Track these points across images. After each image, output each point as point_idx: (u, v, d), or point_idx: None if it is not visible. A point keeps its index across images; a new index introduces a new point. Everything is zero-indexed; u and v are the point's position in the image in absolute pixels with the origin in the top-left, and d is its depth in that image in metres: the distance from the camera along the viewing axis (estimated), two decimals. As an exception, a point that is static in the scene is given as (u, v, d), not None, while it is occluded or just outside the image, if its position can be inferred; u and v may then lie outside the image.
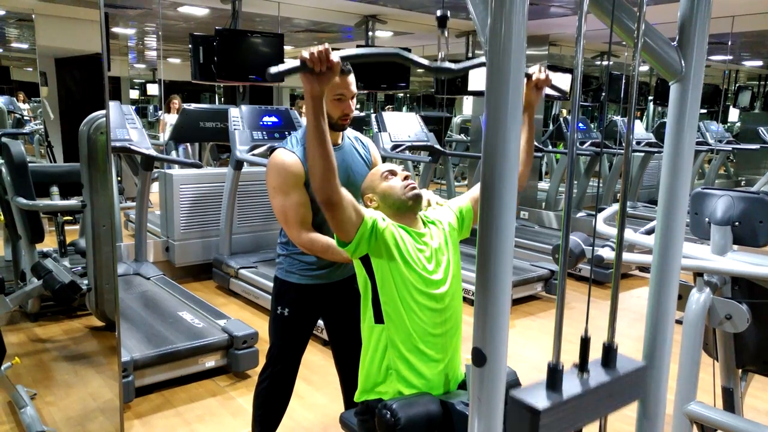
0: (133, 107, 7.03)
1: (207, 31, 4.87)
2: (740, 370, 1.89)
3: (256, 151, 4.44)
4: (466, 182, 8.69)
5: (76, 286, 3.00)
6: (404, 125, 5.40)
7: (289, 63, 1.39)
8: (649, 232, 1.88)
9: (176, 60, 11.57)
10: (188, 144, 7.27)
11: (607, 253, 1.81)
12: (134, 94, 12.86)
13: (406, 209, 1.75)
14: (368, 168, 2.12)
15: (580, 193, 6.67)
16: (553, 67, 6.72)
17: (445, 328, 1.71)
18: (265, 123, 4.59)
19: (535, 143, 2.59)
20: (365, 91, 8.30)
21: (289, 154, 1.99)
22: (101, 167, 3.12)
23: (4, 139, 3.40)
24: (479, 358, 0.91)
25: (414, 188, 1.76)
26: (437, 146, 5.49)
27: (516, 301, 4.54)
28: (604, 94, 7.55)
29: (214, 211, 4.90)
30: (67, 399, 3.04)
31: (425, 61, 1.47)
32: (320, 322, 2.33)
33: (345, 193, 1.58)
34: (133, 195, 5.44)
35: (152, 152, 4.30)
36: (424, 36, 7.08)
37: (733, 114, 9.32)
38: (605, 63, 7.89)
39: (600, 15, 1.04)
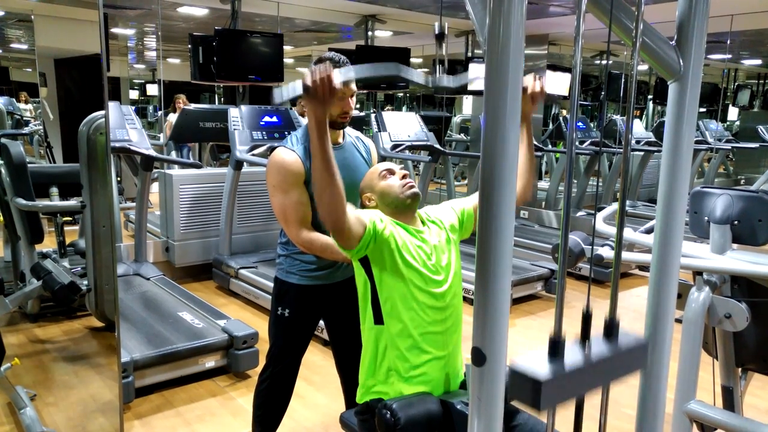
0: (133, 107, 7.02)
1: (206, 32, 4.87)
2: (740, 369, 1.89)
3: (255, 151, 4.43)
4: (466, 182, 8.69)
5: (75, 287, 2.99)
6: (404, 125, 5.39)
7: (293, 86, 1.40)
8: (649, 231, 1.88)
9: (176, 60, 11.57)
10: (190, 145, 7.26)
11: (607, 252, 1.81)
12: (134, 94, 12.84)
13: (404, 208, 1.76)
14: (368, 169, 2.12)
15: (579, 192, 6.67)
16: (553, 67, 6.73)
17: (446, 325, 1.71)
18: (264, 123, 4.58)
19: (535, 143, 2.59)
20: (365, 91, 8.31)
21: (289, 153, 1.99)
22: (101, 168, 3.12)
23: (3, 140, 3.40)
24: (479, 357, 0.91)
25: (412, 187, 1.77)
26: (437, 146, 5.49)
27: (516, 301, 4.54)
28: (603, 93, 7.56)
29: (214, 211, 4.90)
30: (67, 400, 3.03)
31: (423, 80, 1.53)
32: (321, 322, 2.33)
33: (350, 211, 1.57)
34: (132, 195, 5.43)
35: (152, 152, 4.30)
36: (423, 36, 7.07)
37: (733, 113, 9.32)
38: (604, 62, 7.89)
39: (598, 14, 1.04)
